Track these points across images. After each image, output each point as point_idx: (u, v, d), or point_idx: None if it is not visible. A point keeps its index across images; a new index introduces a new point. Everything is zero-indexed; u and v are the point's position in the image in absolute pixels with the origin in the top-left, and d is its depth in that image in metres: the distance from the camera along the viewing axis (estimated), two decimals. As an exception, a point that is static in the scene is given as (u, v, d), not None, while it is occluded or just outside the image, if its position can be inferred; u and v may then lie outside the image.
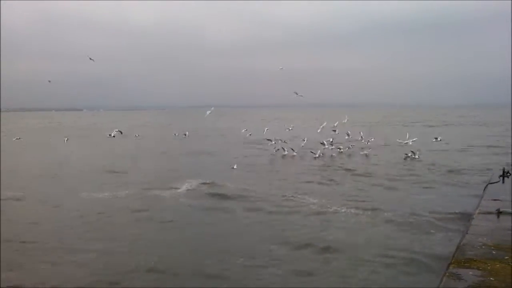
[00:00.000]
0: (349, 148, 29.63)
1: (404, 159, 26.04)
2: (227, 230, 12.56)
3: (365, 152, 28.01)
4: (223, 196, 16.74)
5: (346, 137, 30.85)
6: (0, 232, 12.24)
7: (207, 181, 19.12)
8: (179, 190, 17.73)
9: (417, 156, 26.07)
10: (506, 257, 6.85)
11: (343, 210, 14.10)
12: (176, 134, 46.40)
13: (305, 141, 30.30)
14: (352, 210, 14.02)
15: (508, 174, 14.29)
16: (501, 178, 14.00)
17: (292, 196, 16.33)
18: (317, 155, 27.26)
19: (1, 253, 10.57)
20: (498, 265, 6.53)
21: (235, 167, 23.22)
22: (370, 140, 31.05)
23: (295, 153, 28.22)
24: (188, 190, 17.84)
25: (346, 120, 32.93)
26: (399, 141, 31.01)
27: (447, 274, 6.33)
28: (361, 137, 31.35)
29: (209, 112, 33.69)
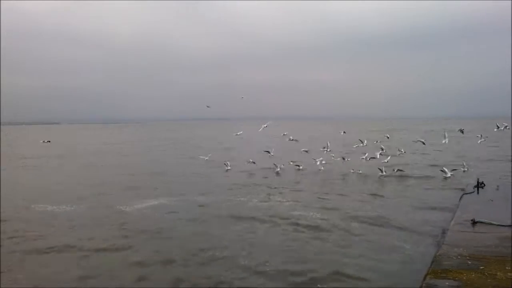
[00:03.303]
0: None
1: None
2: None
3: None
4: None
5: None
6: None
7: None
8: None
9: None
10: (481, 267, 6.92)
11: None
12: None
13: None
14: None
15: (483, 185, 14.63)
16: (476, 188, 14.31)
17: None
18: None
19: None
20: (473, 275, 6.59)
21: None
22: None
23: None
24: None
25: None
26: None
27: (424, 285, 6.35)
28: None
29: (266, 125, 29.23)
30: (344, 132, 34.69)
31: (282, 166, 27.62)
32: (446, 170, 23.37)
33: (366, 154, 26.11)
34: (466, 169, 24.36)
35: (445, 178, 23.00)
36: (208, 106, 27.15)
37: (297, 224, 13.56)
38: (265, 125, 27.89)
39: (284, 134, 30.61)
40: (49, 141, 44.10)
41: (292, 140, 29.84)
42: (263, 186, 21.65)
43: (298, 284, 9.15)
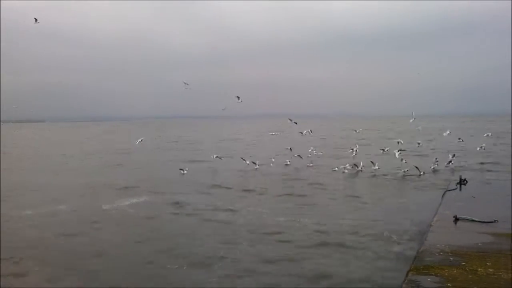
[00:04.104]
0: None
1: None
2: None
3: None
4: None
5: None
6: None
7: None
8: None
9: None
10: (463, 263, 6.98)
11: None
12: None
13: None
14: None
15: (465, 182, 14.79)
16: (458, 185, 14.47)
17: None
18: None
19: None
20: (455, 271, 6.64)
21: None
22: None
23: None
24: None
25: None
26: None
27: (406, 281, 6.37)
28: None
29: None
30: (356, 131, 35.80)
31: (272, 163, 27.83)
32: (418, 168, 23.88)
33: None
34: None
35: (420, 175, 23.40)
36: (223, 109, 27.34)
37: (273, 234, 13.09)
38: (294, 121, 28.01)
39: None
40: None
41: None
42: (245, 187, 21.36)
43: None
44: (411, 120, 29.75)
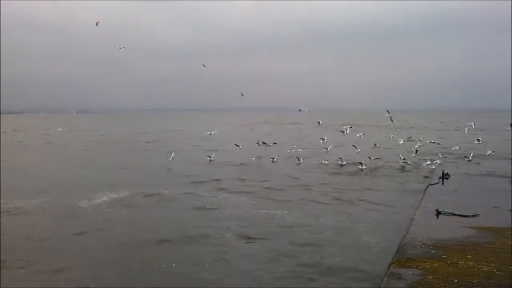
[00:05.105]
0: None
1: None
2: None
3: None
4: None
5: None
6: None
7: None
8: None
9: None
10: (444, 256, 7.05)
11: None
12: None
13: None
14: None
15: (447, 176, 15.00)
16: (441, 179, 14.66)
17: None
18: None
19: None
20: (436, 264, 6.70)
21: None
22: None
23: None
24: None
25: None
26: None
27: (388, 274, 6.40)
28: None
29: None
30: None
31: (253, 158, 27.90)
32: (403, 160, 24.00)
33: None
34: None
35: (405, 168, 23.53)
36: (242, 94, 27.20)
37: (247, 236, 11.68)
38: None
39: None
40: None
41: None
42: (230, 180, 20.85)
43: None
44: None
